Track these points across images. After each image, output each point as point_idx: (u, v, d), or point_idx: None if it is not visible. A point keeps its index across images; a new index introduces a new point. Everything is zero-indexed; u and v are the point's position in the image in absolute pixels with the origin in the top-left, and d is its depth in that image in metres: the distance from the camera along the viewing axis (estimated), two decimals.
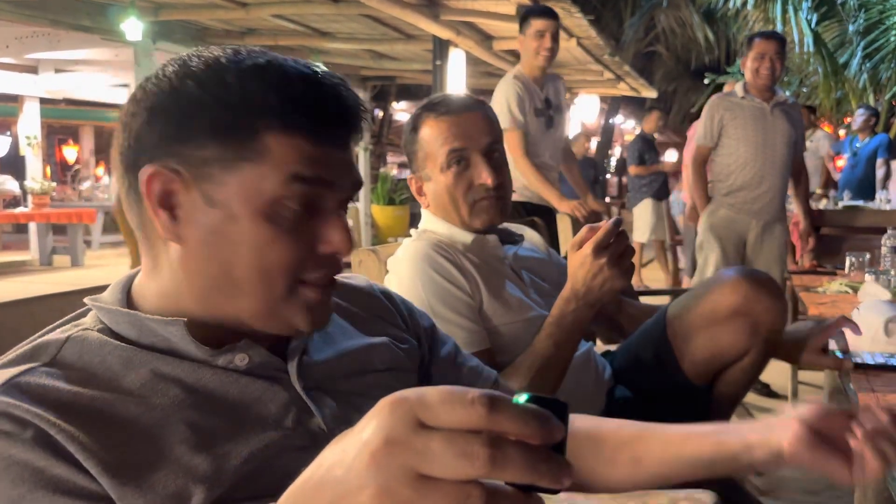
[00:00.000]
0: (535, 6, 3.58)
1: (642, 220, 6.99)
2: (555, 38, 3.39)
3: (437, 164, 1.55)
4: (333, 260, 0.75)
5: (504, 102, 3.28)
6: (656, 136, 7.62)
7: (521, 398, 0.41)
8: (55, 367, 0.68)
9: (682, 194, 6.32)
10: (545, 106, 3.41)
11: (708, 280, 1.71)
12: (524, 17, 3.44)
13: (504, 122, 3.16)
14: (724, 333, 1.59)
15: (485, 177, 1.53)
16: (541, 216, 2.76)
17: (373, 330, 0.90)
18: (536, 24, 3.37)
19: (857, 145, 6.81)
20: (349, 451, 0.42)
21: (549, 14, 3.43)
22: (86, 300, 0.76)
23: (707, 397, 1.66)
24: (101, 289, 0.79)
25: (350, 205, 0.79)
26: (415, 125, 1.57)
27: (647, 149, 7.34)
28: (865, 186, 6.43)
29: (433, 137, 1.54)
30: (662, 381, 1.67)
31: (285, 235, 0.72)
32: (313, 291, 0.74)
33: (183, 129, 0.70)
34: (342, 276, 0.95)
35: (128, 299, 0.77)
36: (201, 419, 0.69)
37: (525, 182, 3.32)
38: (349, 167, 0.75)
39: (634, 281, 6.76)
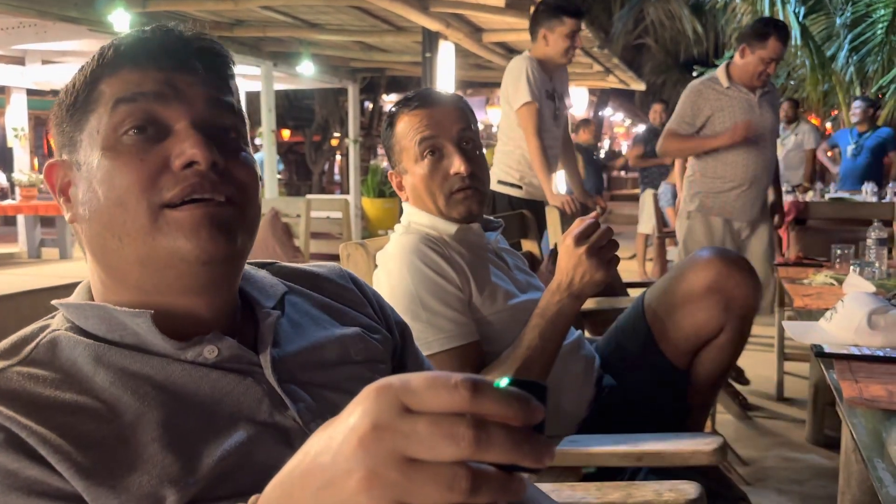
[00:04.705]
0: (568, 4, 3.33)
1: (644, 212, 6.76)
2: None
3: (412, 156, 1.57)
4: (195, 173, 0.72)
5: (522, 77, 3.19)
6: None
7: (503, 382, 0.42)
8: (26, 368, 0.68)
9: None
10: (550, 97, 3.38)
11: (681, 262, 1.74)
12: (555, 11, 3.27)
13: (522, 95, 3.18)
14: (698, 311, 1.63)
15: (458, 165, 1.53)
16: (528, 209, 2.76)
17: (345, 319, 0.88)
18: (570, 23, 3.26)
19: (856, 136, 6.82)
20: (336, 438, 0.42)
21: (581, 14, 3.35)
22: (53, 302, 0.76)
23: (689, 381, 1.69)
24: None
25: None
26: (391, 121, 1.61)
27: (648, 139, 7.31)
28: (868, 176, 6.37)
29: (406, 130, 1.57)
30: (645, 367, 1.69)
31: (129, 159, 0.72)
32: (183, 210, 0.71)
33: (63, 124, 0.76)
34: (313, 265, 0.94)
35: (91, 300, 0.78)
36: (173, 417, 0.68)
37: (527, 162, 3.29)
38: (192, 85, 0.75)
39: (639, 272, 6.75)
